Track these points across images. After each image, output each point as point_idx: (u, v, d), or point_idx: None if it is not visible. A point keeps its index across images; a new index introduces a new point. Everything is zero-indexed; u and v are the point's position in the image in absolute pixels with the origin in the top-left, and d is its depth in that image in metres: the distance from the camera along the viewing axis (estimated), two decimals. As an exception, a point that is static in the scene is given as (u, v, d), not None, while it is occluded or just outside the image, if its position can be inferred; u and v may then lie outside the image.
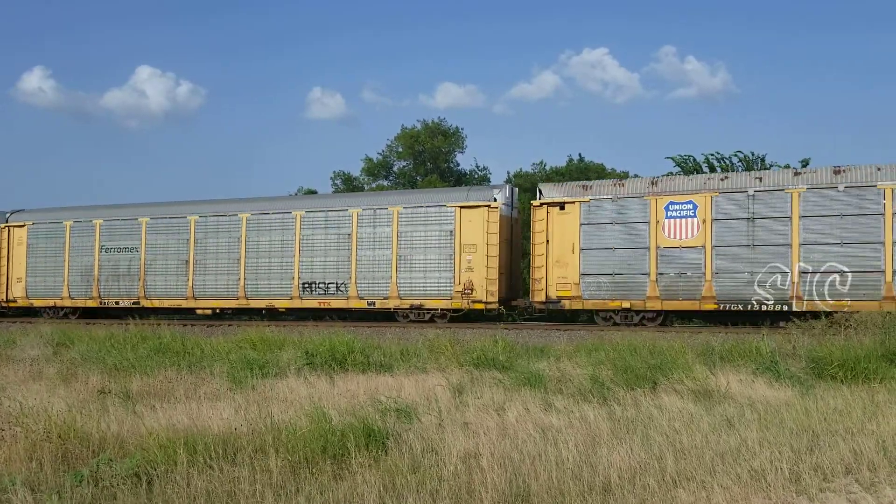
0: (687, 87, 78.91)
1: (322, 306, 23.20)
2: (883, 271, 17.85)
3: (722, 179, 19.95)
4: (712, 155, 32.81)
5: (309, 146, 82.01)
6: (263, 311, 24.19)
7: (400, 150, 42.74)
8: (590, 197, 20.60)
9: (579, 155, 40.10)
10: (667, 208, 19.80)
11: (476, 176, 42.18)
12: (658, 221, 19.83)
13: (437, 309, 21.80)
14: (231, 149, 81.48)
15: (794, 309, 18.46)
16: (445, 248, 21.74)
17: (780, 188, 18.89)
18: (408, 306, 22.04)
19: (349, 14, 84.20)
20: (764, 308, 18.87)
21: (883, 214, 17.90)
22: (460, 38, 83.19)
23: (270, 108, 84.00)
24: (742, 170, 31.65)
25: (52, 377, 11.34)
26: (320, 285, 23.04)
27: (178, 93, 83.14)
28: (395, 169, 43.27)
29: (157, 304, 25.20)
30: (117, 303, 25.70)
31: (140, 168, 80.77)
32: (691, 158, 33.32)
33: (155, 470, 6.05)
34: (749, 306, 18.99)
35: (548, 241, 20.85)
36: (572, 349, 13.56)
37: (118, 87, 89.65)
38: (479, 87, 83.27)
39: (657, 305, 19.78)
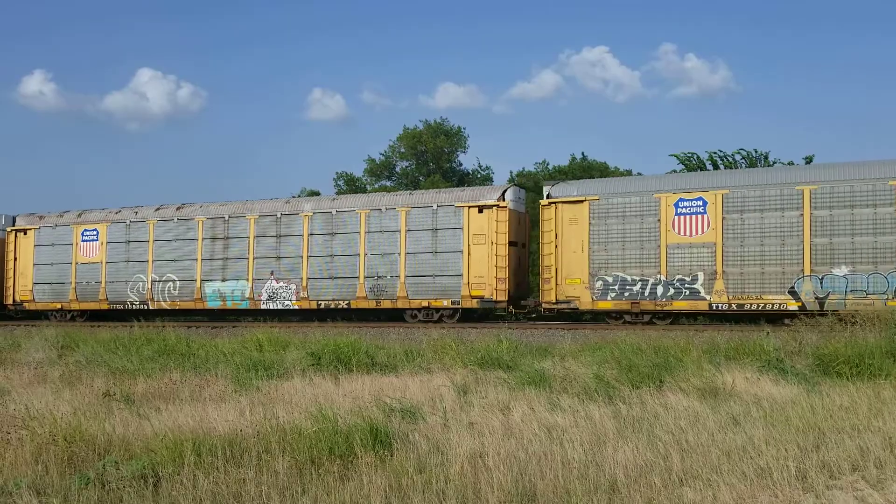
0: (687, 84, 78.87)
1: None
2: (195, 279, 25.27)
3: (116, 213, 26.96)
4: (716, 153, 32.76)
5: (309, 147, 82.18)
6: None
7: (402, 150, 42.67)
8: (40, 225, 27.76)
9: (582, 153, 39.94)
10: (83, 234, 27.05)
11: (479, 176, 42.11)
12: (78, 244, 27.03)
13: None
14: (232, 150, 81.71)
15: (150, 307, 25.57)
16: None
17: (143, 220, 26.20)
18: None
19: (349, 14, 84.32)
20: (134, 307, 25.72)
21: (197, 239, 25.39)
22: (460, 38, 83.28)
23: (270, 110, 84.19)
24: (745, 166, 31.59)
25: (56, 380, 11.35)
26: None
27: (179, 95, 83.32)
28: (397, 169, 43.24)
29: None
30: None
31: (140, 170, 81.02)
32: (695, 156, 33.23)
33: (161, 472, 6.06)
34: (125, 305, 26.18)
35: (16, 259, 27.83)
36: (577, 348, 13.55)
37: (119, 89, 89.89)
38: (479, 87, 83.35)
39: (77, 306, 26.95)
